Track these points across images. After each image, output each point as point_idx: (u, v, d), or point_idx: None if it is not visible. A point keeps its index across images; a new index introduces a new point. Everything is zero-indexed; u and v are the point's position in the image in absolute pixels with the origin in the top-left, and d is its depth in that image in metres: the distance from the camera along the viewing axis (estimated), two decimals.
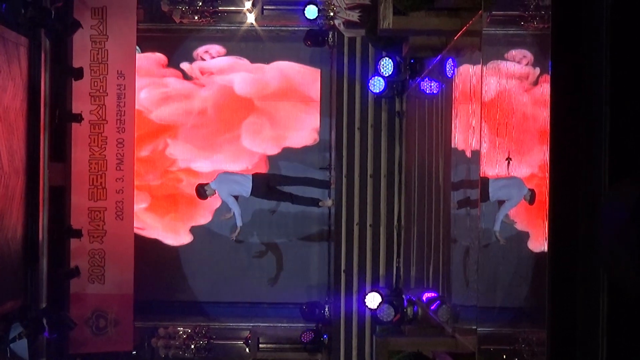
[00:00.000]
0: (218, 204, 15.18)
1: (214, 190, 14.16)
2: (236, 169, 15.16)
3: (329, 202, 14.81)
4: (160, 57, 15.51)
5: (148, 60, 15.40)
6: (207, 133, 15.51)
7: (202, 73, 15.53)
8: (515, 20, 6.48)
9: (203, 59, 15.54)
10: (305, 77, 15.57)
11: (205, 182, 14.37)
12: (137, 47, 15.07)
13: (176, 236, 15.65)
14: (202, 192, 14.19)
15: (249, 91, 15.52)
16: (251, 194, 14.24)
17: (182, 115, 15.52)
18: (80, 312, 14.36)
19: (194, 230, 15.65)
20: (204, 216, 15.60)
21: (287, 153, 15.51)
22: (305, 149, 15.51)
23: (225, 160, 15.45)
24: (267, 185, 14.40)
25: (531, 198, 6.02)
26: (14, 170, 12.69)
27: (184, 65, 15.53)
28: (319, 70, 15.47)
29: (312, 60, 15.43)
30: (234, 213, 14.18)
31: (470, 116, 8.49)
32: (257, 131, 15.52)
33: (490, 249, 7.58)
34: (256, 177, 14.36)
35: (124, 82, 14.44)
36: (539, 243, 5.65)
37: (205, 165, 15.45)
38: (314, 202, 14.84)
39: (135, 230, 14.94)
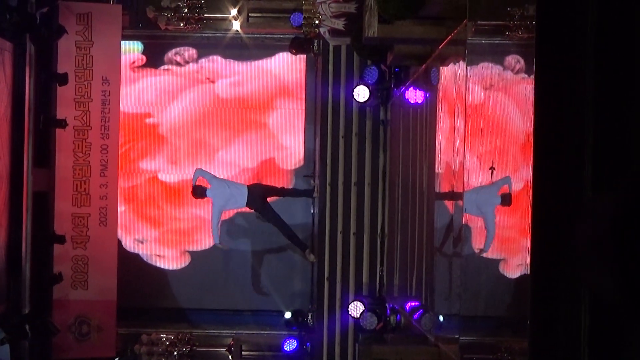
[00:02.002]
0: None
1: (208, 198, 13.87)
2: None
3: (312, 258, 14.73)
4: (142, 60, 15.48)
5: (130, 63, 15.37)
6: (189, 142, 15.48)
7: (187, 76, 15.51)
8: (500, 29, 6.51)
9: (179, 63, 15.50)
10: (290, 66, 15.54)
11: (205, 186, 13.87)
12: (142, 45, 15.15)
13: (170, 259, 15.65)
14: (199, 193, 13.88)
15: (232, 96, 15.47)
16: (246, 205, 13.99)
17: (163, 121, 15.49)
18: (63, 318, 14.30)
19: (192, 252, 15.64)
20: (206, 238, 15.56)
21: (270, 165, 15.47)
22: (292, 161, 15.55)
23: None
24: (262, 197, 14.09)
25: (505, 200, 6.04)
26: None
27: (167, 68, 15.50)
28: (304, 56, 15.42)
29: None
30: (212, 224, 13.95)
31: (454, 125, 8.51)
32: (242, 143, 15.48)
33: (473, 258, 7.59)
34: (251, 189, 14.12)
35: (108, 88, 14.41)
36: (516, 262, 5.67)
37: (184, 175, 15.39)
38: (302, 246, 14.73)
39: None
